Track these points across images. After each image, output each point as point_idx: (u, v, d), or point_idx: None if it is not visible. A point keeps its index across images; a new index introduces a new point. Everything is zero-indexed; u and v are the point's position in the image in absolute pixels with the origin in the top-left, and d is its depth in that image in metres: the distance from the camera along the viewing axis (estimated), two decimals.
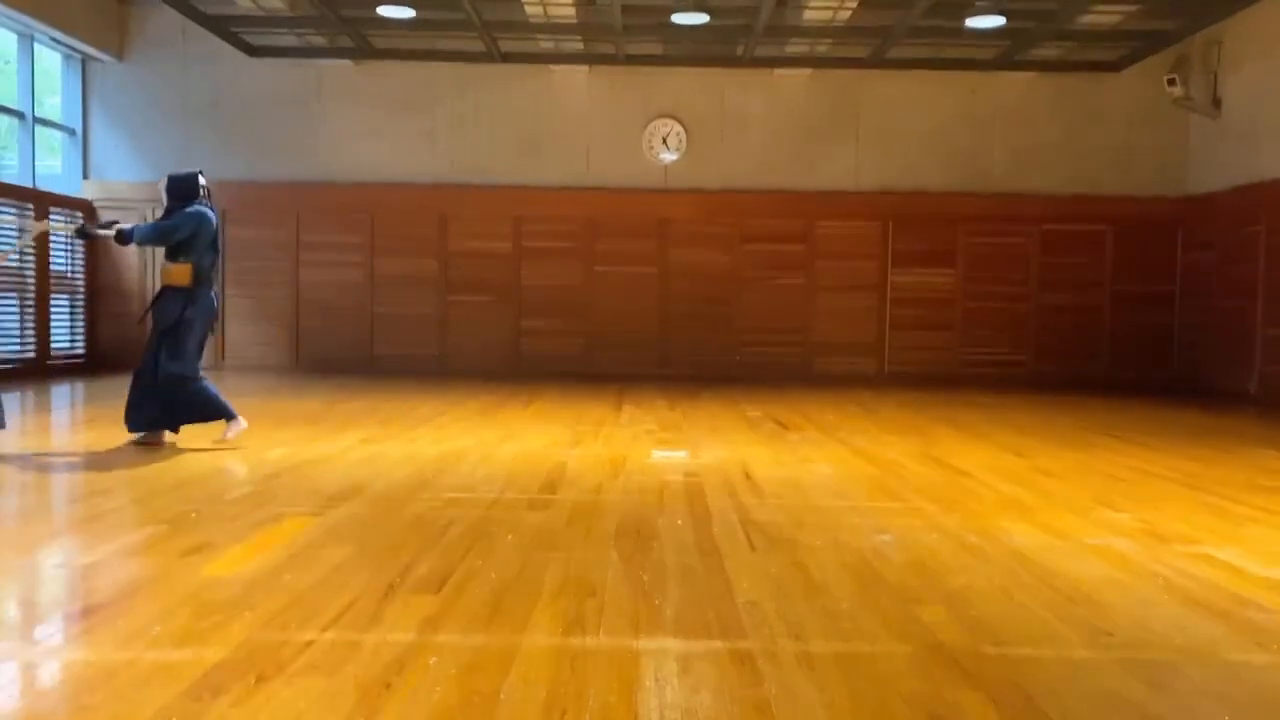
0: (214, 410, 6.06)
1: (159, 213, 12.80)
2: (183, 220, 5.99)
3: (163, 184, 6.18)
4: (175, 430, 6.11)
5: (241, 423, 6.11)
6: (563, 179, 12.60)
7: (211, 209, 6.17)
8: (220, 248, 6.25)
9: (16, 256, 10.82)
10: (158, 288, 6.25)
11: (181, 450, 5.90)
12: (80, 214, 12.21)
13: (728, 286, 12.59)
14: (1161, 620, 2.97)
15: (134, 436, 6.05)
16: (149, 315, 6.19)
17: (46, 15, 10.96)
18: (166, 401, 5.94)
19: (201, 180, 6.18)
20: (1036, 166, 12.60)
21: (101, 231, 6.28)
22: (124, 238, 6.08)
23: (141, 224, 6.24)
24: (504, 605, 2.98)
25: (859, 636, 2.78)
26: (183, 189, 6.11)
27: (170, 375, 5.91)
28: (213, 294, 6.15)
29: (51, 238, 11.50)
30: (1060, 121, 12.58)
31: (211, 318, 6.16)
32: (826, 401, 9.73)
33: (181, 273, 6.01)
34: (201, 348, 6.15)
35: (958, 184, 12.58)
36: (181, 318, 5.94)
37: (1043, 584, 3.32)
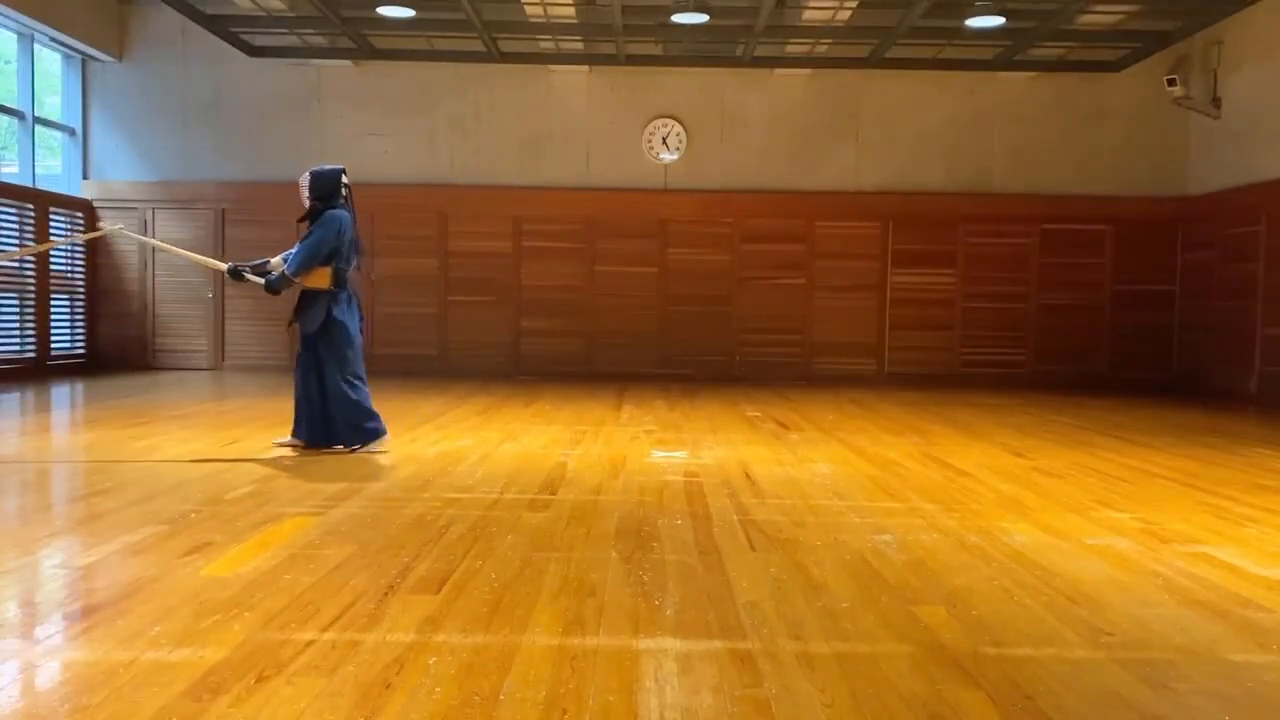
0: (372, 432, 5.93)
1: (157, 213, 12.87)
2: (324, 234, 5.81)
3: (305, 180, 5.97)
4: (350, 447, 5.90)
5: (387, 439, 5.99)
6: (563, 179, 12.60)
7: (349, 209, 5.99)
8: (361, 247, 6.07)
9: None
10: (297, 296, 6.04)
11: (181, 451, 5.90)
12: (81, 215, 12.22)
13: (728, 286, 12.59)
14: (1161, 620, 2.97)
15: (352, 447, 5.91)
16: (294, 324, 6.01)
17: (46, 15, 10.96)
18: (349, 417, 5.85)
19: (344, 179, 6.00)
20: (1036, 166, 12.60)
21: (253, 277, 6.06)
22: (274, 287, 5.93)
23: (287, 260, 5.91)
24: (504, 605, 2.98)
25: (859, 636, 2.77)
26: (326, 188, 5.92)
27: (349, 389, 5.83)
28: (355, 294, 6.03)
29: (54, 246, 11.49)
30: (1060, 121, 12.57)
31: (359, 318, 6.03)
32: (826, 401, 9.73)
33: (321, 276, 5.85)
34: (359, 350, 6.00)
35: (958, 184, 12.58)
36: (329, 319, 5.83)
37: (1043, 584, 3.32)
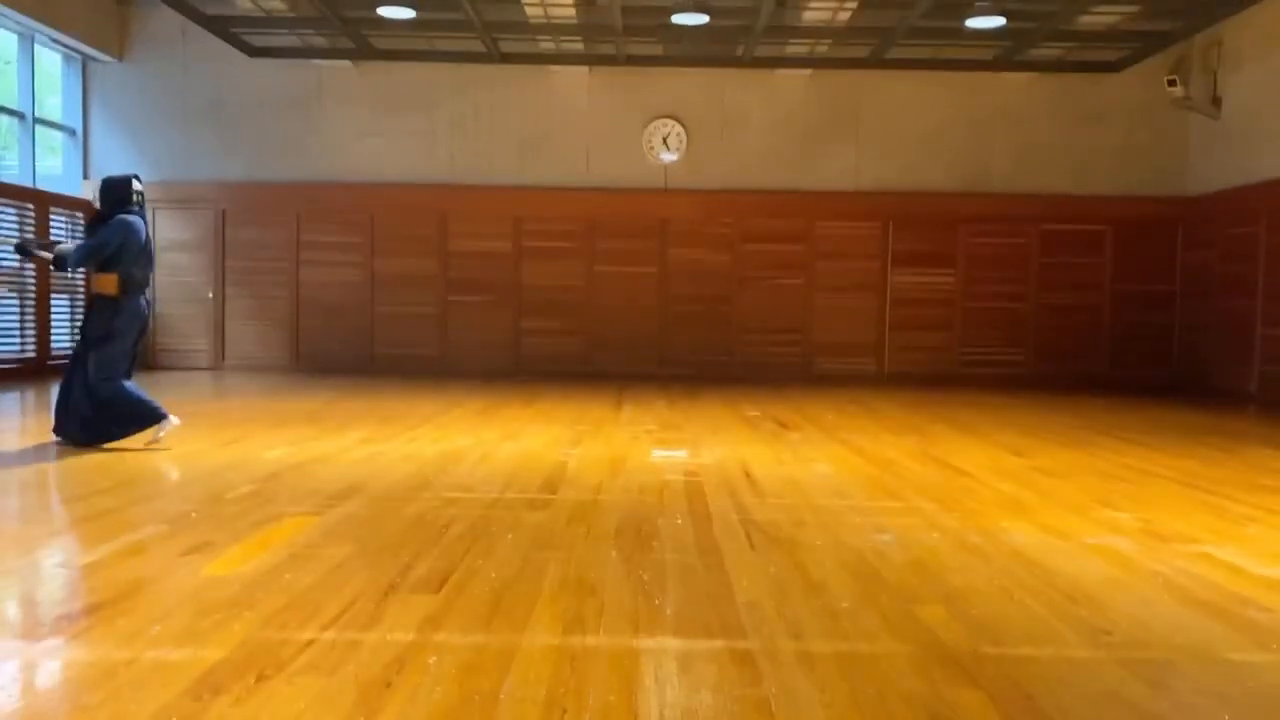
0: (148, 416, 5.96)
1: (158, 213, 12.87)
2: (108, 235, 5.90)
3: (97, 187, 6.08)
4: (114, 440, 5.94)
5: (172, 421, 6.01)
6: (563, 179, 12.60)
7: (141, 216, 6.08)
8: (153, 254, 6.16)
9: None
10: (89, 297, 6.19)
11: (181, 451, 5.90)
12: (81, 215, 12.23)
13: (727, 286, 12.59)
14: (1161, 620, 2.97)
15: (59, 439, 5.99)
16: (83, 329, 6.06)
17: (46, 15, 10.96)
18: (105, 415, 5.87)
19: (136, 185, 6.07)
20: (1036, 166, 12.60)
21: (41, 253, 6.22)
22: (60, 263, 6.03)
23: (73, 247, 6.07)
24: (504, 605, 2.98)
25: (859, 636, 2.77)
26: (115, 194, 6.01)
27: (101, 390, 5.84)
28: (143, 301, 6.08)
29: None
30: (1060, 121, 12.58)
31: (142, 324, 6.10)
32: (826, 401, 9.73)
33: (109, 282, 5.92)
34: (131, 356, 6.07)
35: (958, 184, 12.58)
36: (111, 328, 5.89)
37: (1043, 584, 3.32)
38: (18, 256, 6.33)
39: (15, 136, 12.00)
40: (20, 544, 3.66)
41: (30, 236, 6.33)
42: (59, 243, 6.29)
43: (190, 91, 12.51)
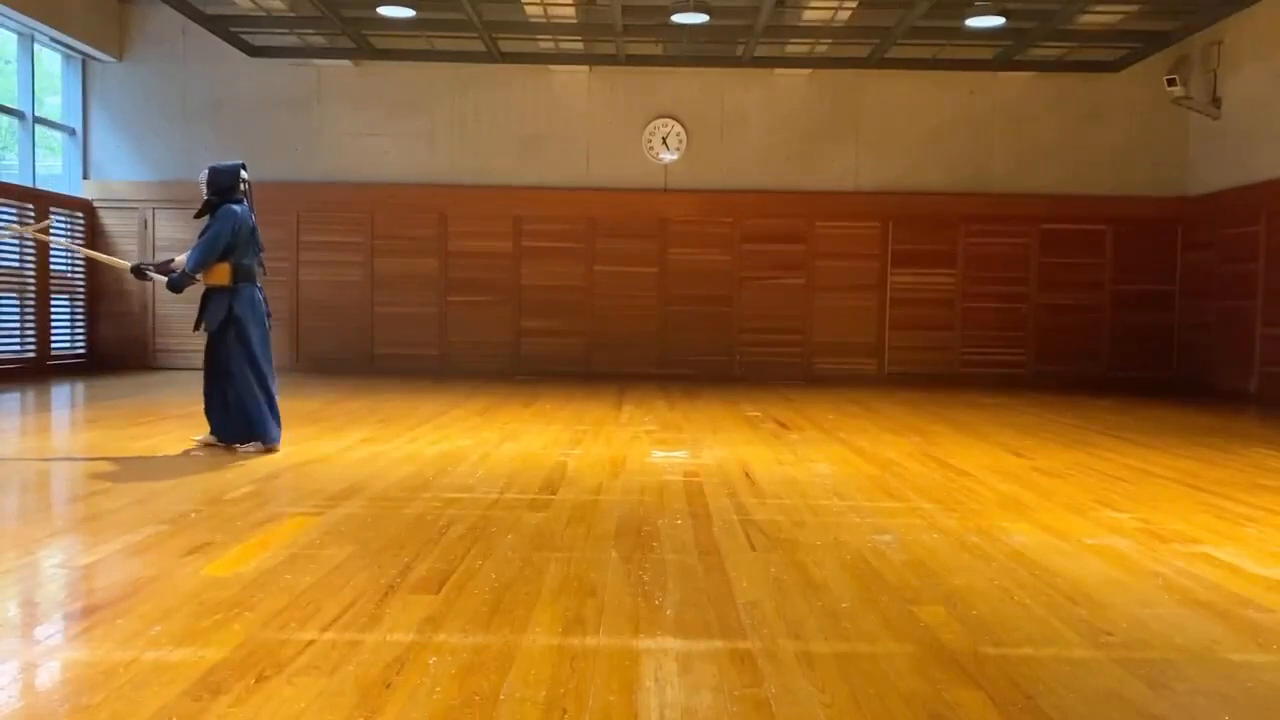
0: (257, 432, 5.88)
1: (158, 213, 12.87)
2: (218, 229, 5.84)
3: (204, 175, 6.00)
4: (225, 442, 5.92)
5: (251, 448, 5.90)
6: (563, 179, 12.60)
7: (249, 206, 6.03)
8: (261, 242, 6.09)
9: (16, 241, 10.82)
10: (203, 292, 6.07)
11: (180, 450, 5.90)
12: (81, 215, 12.22)
13: (727, 286, 12.59)
14: (1161, 620, 2.97)
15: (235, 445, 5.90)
16: (201, 321, 5.99)
17: (46, 15, 10.96)
18: (227, 416, 5.85)
19: (244, 174, 6.03)
20: (1036, 166, 12.60)
21: (157, 275, 6.13)
22: (178, 281, 5.93)
23: (188, 256, 5.93)
24: (504, 605, 2.98)
25: (859, 636, 2.77)
26: (223, 183, 5.95)
27: (227, 388, 5.82)
28: (258, 289, 6.03)
29: (52, 248, 11.44)
30: (1060, 121, 12.58)
31: (262, 313, 6.02)
32: (826, 401, 9.73)
33: (220, 272, 5.89)
34: (263, 345, 6.00)
35: (958, 184, 12.58)
36: (230, 314, 5.85)
37: (1043, 584, 3.32)
38: (136, 278, 6.27)
39: (15, 136, 12.01)
40: (20, 544, 3.66)
41: (147, 261, 6.27)
42: (170, 261, 6.18)
43: (190, 91, 12.52)
